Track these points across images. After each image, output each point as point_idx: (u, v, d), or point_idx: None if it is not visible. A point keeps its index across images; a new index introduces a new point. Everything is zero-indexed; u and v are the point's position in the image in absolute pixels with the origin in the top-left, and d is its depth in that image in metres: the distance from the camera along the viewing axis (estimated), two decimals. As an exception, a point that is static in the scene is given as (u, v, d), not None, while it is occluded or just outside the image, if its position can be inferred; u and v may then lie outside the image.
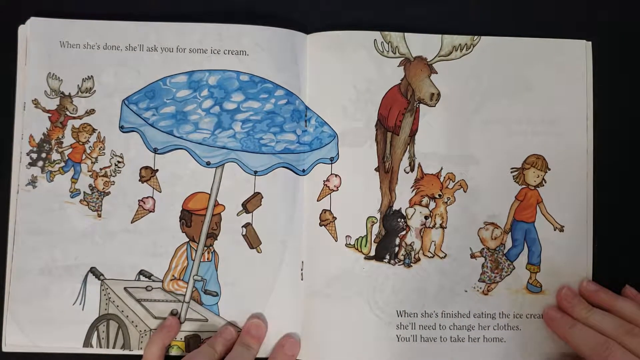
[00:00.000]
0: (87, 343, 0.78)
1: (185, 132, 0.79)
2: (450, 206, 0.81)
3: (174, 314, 0.79)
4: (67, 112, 0.80)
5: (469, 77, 0.82)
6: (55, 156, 0.80)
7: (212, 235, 0.79)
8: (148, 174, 0.80)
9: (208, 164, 0.79)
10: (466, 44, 0.82)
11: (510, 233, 0.81)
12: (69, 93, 0.80)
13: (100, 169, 0.80)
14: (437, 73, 0.82)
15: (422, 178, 0.81)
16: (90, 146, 0.80)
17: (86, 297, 0.78)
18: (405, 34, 0.82)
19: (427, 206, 0.81)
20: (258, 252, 0.79)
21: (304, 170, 0.80)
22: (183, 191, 0.80)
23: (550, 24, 0.84)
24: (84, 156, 0.80)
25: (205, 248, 0.79)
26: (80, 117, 0.80)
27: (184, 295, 0.79)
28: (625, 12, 0.86)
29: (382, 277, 0.80)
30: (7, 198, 0.79)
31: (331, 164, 0.80)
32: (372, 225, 0.80)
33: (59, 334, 0.78)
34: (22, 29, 0.81)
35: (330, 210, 0.80)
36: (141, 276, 0.79)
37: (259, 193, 0.80)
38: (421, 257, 0.80)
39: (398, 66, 0.82)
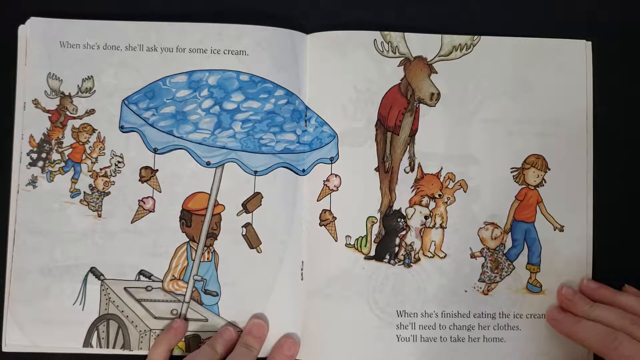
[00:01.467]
0: (87, 343, 0.78)
1: (185, 132, 0.79)
2: (450, 206, 0.80)
3: (174, 314, 0.78)
4: (67, 112, 0.80)
5: (469, 77, 0.81)
6: (55, 156, 0.79)
7: (212, 235, 0.79)
8: (148, 174, 0.79)
9: (208, 164, 0.79)
10: (466, 43, 0.82)
11: (510, 233, 0.80)
12: (69, 93, 0.80)
13: (101, 169, 0.79)
14: (437, 73, 0.81)
15: (422, 178, 0.80)
16: (90, 146, 0.80)
17: (86, 297, 0.78)
18: (405, 33, 0.81)
19: (427, 206, 0.80)
20: (258, 252, 0.79)
21: (304, 170, 0.80)
22: (183, 191, 0.79)
23: (550, 24, 0.84)
24: (84, 156, 0.80)
25: (205, 248, 0.79)
26: (80, 117, 0.80)
27: (184, 295, 0.79)
28: (625, 12, 0.85)
29: (382, 277, 0.79)
30: (7, 198, 0.79)
31: (331, 164, 0.80)
32: (372, 225, 0.80)
33: (59, 334, 0.78)
34: (22, 29, 0.80)
35: (330, 210, 0.79)
36: (141, 276, 0.78)
37: (259, 193, 0.79)
38: (421, 257, 0.80)
39: (398, 66, 0.81)
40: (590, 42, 0.82)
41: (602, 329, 0.71)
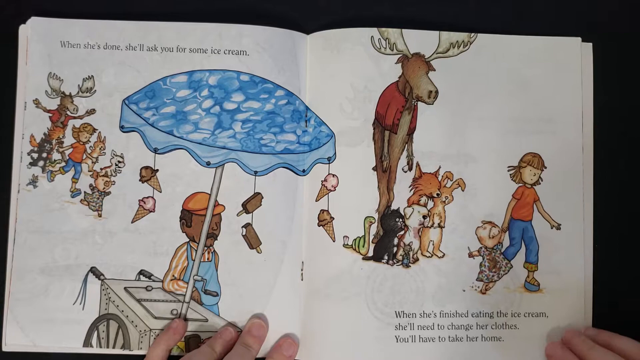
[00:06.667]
0: (87, 343, 0.75)
1: (185, 132, 0.76)
2: (448, 205, 0.77)
3: (174, 314, 0.74)
4: (68, 112, 0.77)
5: (467, 75, 0.78)
6: (56, 156, 0.77)
7: (212, 235, 0.76)
8: (148, 174, 0.76)
9: (208, 164, 0.76)
10: (463, 41, 0.79)
11: (507, 232, 0.77)
12: (70, 93, 0.77)
13: (101, 169, 0.77)
14: (434, 70, 0.78)
15: (421, 177, 0.77)
16: (90, 146, 0.77)
17: (86, 297, 0.75)
18: (403, 30, 0.78)
19: (425, 205, 0.76)
20: (258, 252, 0.76)
21: (304, 171, 0.77)
22: (183, 191, 0.76)
23: (548, 22, 0.82)
24: (84, 156, 0.77)
25: (206, 248, 0.76)
26: (80, 117, 0.77)
27: (184, 295, 0.76)
28: (625, 12, 0.83)
29: (380, 277, 0.76)
30: (8, 198, 0.77)
31: (328, 163, 0.77)
32: (370, 225, 0.76)
33: (59, 334, 0.75)
34: (22, 29, 0.78)
35: (327, 211, 0.76)
36: (141, 276, 0.76)
37: (259, 193, 0.76)
38: (419, 257, 0.76)
39: (396, 63, 0.78)
40: (590, 44, 0.79)
41: None
